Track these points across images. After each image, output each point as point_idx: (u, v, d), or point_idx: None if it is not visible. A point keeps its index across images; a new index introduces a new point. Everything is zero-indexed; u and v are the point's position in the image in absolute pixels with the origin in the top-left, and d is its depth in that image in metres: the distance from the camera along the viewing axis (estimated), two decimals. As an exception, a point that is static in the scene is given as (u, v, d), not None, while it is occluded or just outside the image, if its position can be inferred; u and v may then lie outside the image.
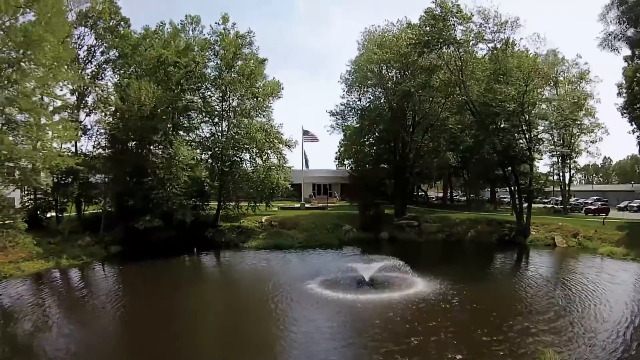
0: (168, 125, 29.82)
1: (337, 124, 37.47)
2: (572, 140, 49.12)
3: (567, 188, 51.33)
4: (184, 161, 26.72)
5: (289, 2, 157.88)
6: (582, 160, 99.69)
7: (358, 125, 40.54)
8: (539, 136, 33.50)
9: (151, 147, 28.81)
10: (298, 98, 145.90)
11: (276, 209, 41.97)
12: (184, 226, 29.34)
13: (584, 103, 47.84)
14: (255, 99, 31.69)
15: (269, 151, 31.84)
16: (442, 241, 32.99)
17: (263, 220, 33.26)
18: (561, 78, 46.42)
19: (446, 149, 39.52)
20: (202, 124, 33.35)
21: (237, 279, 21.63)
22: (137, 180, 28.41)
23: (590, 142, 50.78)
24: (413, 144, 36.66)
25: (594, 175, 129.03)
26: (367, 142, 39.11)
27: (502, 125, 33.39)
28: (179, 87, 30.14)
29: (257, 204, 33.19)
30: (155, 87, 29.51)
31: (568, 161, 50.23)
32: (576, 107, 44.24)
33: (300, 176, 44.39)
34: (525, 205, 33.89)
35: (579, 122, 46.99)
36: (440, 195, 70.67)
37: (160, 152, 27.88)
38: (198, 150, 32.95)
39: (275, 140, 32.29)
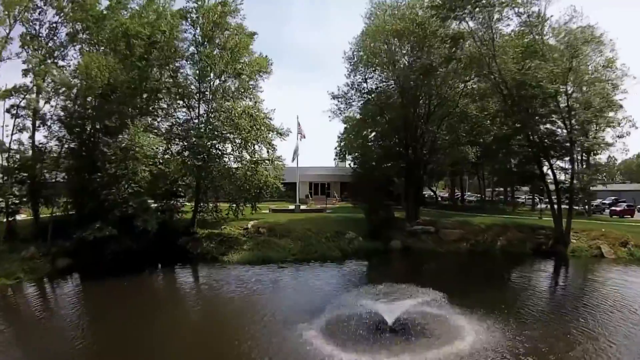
0: (127, 108, 23.83)
1: (339, 109, 31.50)
2: (597, 134, 43.70)
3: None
4: (142, 152, 20.73)
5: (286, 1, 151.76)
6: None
7: (361, 115, 34.75)
8: (582, 124, 27.77)
9: (106, 137, 22.80)
10: (294, 97, 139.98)
11: (267, 211, 36.07)
12: (148, 235, 23.47)
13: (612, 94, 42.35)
14: (238, 77, 25.61)
15: (255, 141, 25.72)
16: (468, 252, 27.27)
17: (249, 226, 27.34)
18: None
19: (466, 141, 33.82)
20: (177, 110, 27.34)
21: (199, 317, 15.26)
22: (89, 177, 22.60)
23: (617, 136, 45.35)
24: (428, 135, 30.90)
25: (598, 174, 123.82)
26: (372, 134, 33.37)
27: (538, 111, 27.82)
28: (144, 61, 24.20)
29: (241, 207, 27.24)
30: (114, 60, 23.76)
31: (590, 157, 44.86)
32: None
33: (294, 174, 38.46)
34: (555, 208, 28.37)
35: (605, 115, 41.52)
36: (445, 194, 65.10)
37: (115, 142, 21.81)
38: (175, 141, 27.05)
39: (263, 128, 26.26)
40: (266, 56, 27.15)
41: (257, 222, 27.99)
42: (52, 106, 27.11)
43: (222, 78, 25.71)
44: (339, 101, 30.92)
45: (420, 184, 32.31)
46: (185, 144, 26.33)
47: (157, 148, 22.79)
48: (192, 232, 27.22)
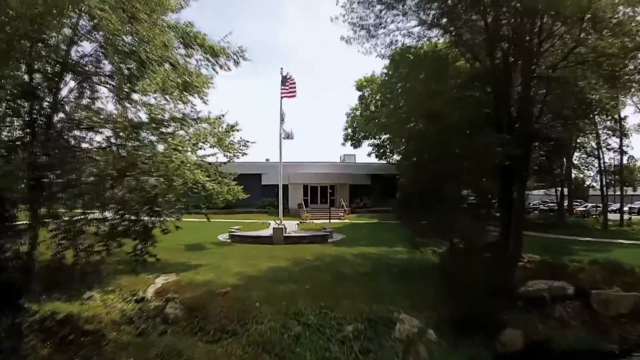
0: None
1: (364, 28, 14.43)
2: None
3: None
4: None
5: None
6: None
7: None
8: None
9: None
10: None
11: (224, 236, 19.89)
12: None
13: None
14: None
15: (140, 68, 9.08)
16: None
17: (148, 293, 11.18)
18: None
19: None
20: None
21: None
22: None
23: None
24: (539, 90, 15.04)
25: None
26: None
27: None
28: None
29: (94, 254, 10.51)
30: None
31: None
32: None
33: (276, 172, 22.30)
34: None
35: None
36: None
37: None
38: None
39: (156, 30, 9.31)
40: None
41: (171, 279, 11.79)
42: None
43: None
44: (362, 18, 14.39)
45: (524, 187, 15.98)
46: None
47: None
48: (22, 309, 11.23)
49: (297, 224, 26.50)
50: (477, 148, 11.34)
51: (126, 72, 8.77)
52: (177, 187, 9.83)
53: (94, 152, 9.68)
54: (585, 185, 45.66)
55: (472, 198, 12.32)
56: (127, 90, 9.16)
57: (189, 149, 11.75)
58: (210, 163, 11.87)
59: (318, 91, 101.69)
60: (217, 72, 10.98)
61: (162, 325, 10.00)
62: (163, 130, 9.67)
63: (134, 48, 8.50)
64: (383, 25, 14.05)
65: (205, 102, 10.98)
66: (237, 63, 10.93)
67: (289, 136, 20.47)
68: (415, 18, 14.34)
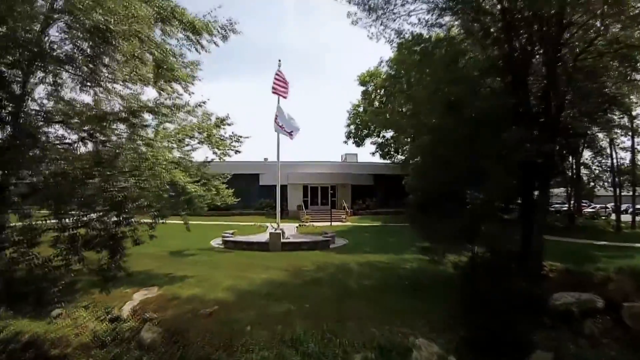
0: None
1: (371, 9, 12.98)
2: None
3: None
4: None
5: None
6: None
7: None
8: None
9: None
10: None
11: (217, 241, 18.43)
12: None
13: None
14: None
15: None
16: None
17: (125, 310, 9.73)
18: None
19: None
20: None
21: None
22: None
23: None
24: (563, 77, 13.65)
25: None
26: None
27: None
28: None
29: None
30: None
31: None
32: None
33: (273, 172, 20.79)
34: None
35: None
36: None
37: None
38: None
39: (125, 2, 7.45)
40: None
41: (151, 295, 10.37)
42: None
43: None
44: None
45: (548, 188, 14.55)
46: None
47: None
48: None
49: (297, 227, 25.08)
50: (505, 143, 9.89)
51: (89, 51, 7.38)
52: (150, 189, 8.39)
53: (59, 148, 8.21)
54: (590, 186, 44.24)
55: (496, 200, 10.84)
56: (89, 72, 7.68)
57: (175, 145, 10.35)
58: (191, 161, 10.44)
59: (318, 89, 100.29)
60: (199, 53, 9.55)
61: (137, 351, 8.56)
62: (134, 121, 8.22)
63: (96, 22, 7.03)
64: (391, 9, 12.60)
65: (188, 93, 9.56)
66: (225, 38, 9.46)
67: (292, 131, 18.76)
68: (426, 0, 12.88)
